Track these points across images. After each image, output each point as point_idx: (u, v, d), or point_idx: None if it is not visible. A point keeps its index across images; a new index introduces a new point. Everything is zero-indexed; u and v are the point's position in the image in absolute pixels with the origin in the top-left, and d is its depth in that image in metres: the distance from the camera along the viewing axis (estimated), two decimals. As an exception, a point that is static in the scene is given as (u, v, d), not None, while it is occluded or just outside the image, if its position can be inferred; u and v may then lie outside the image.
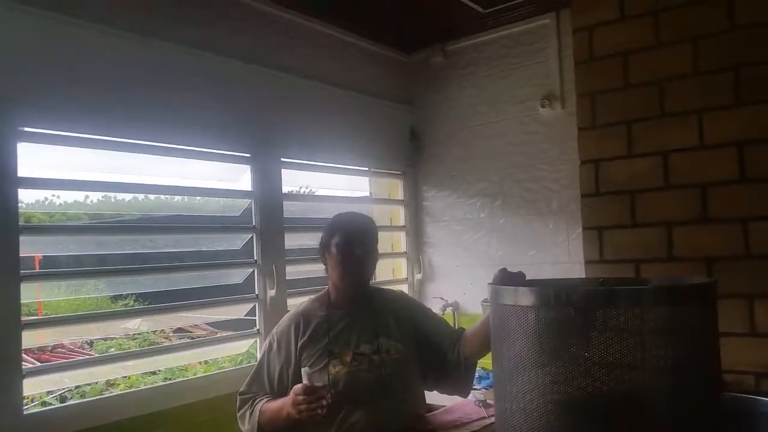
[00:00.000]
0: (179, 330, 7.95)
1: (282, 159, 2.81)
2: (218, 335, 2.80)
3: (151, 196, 2.71)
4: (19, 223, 1.92)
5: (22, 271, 1.92)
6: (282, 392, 1.90)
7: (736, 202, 2.06)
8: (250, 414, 1.89)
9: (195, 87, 2.46)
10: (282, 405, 1.81)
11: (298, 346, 1.93)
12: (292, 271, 2.82)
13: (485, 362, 1.72)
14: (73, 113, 2.08)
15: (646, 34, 2.24)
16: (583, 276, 2.35)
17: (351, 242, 1.94)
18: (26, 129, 1.98)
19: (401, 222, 3.60)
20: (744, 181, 2.05)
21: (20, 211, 1.93)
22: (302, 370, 1.84)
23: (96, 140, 2.17)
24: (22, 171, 1.95)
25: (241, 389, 1.99)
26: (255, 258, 2.67)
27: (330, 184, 3.32)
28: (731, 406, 1.75)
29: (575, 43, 2.42)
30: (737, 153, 2.06)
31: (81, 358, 2.87)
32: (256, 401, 1.91)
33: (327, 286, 2.07)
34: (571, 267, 2.91)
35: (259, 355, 2.21)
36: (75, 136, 2.12)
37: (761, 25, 2.03)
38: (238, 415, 1.95)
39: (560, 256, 3.00)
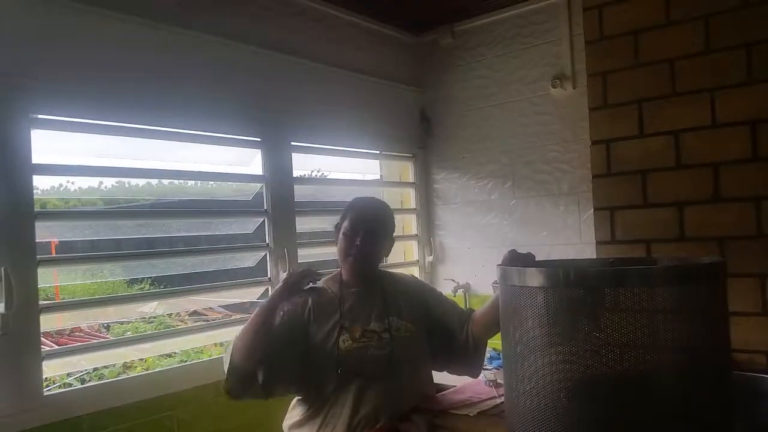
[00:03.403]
0: (195, 313, 8.03)
1: (292, 143, 2.81)
2: (232, 318, 2.84)
3: (165, 182, 2.74)
4: (35, 209, 1.95)
5: (38, 256, 1.95)
6: (281, 351, 1.85)
7: (749, 181, 2.05)
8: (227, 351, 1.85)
9: (205, 72, 2.47)
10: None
11: (309, 317, 1.93)
12: (304, 254, 2.84)
13: (496, 343, 1.73)
14: (85, 100, 2.10)
15: (657, 12, 2.21)
16: (595, 257, 2.35)
17: (356, 227, 1.96)
18: (39, 116, 2.00)
19: (412, 204, 3.60)
20: (756, 160, 2.03)
21: (35, 197, 1.96)
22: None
23: (108, 126, 2.19)
24: (37, 158, 1.96)
25: None
26: (267, 242, 2.69)
27: (341, 167, 3.33)
28: (742, 385, 1.76)
29: (585, 22, 2.40)
30: (750, 132, 2.04)
31: (98, 341, 2.92)
32: None
33: (340, 268, 2.08)
34: (583, 248, 2.91)
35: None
36: (87, 123, 2.14)
37: (775, 1, 2.00)
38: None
39: (571, 237, 3.00)
